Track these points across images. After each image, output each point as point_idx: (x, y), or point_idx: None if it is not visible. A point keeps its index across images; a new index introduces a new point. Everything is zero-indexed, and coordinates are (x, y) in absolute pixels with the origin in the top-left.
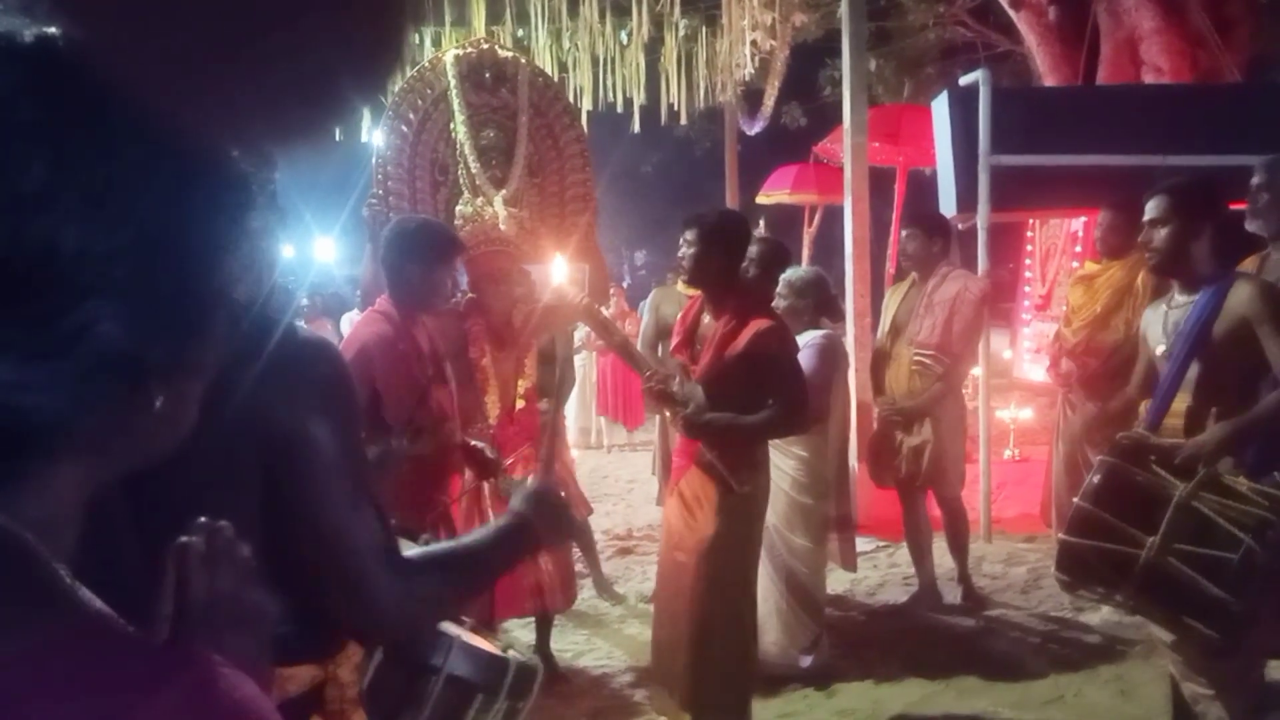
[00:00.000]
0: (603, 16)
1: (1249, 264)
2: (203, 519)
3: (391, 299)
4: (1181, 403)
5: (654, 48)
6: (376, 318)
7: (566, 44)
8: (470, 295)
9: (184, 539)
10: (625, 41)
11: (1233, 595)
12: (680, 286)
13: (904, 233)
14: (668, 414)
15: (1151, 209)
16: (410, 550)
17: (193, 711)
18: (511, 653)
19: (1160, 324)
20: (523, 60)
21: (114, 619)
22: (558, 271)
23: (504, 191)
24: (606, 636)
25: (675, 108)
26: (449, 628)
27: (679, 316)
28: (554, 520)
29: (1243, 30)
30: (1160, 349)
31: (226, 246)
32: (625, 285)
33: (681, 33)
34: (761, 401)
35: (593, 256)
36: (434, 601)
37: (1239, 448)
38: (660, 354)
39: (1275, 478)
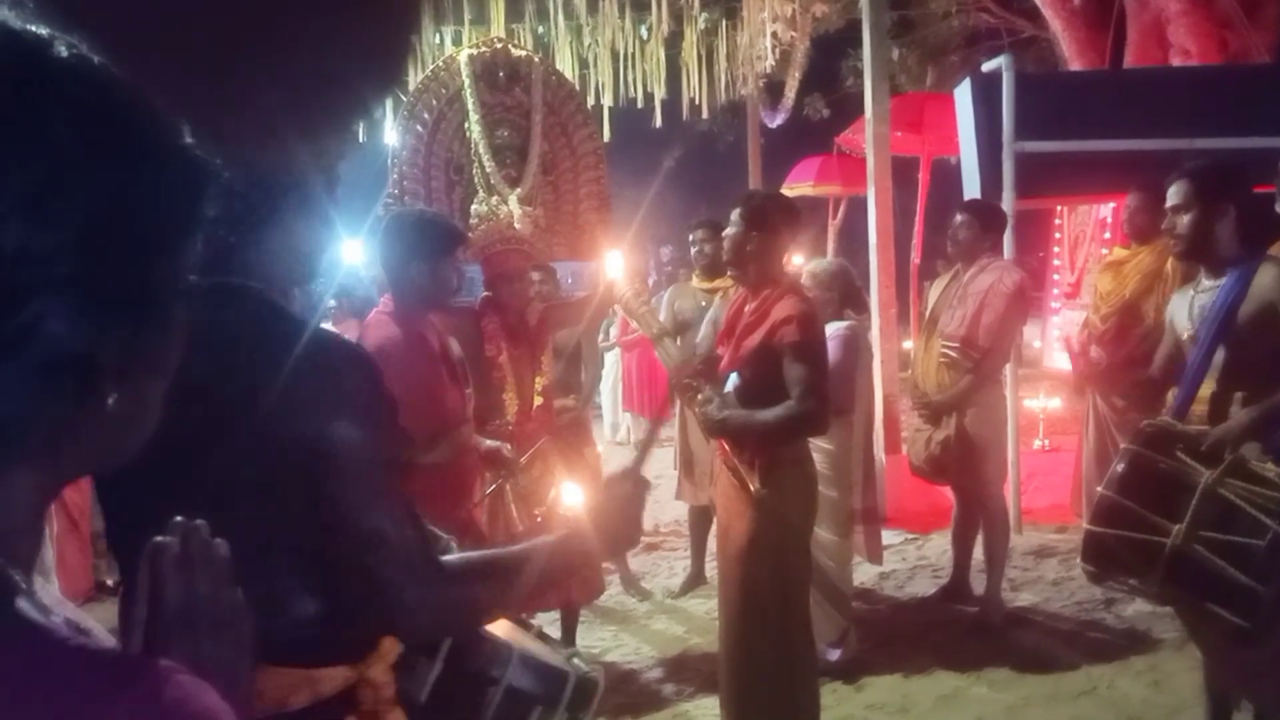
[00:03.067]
0: (622, 12)
1: (1279, 248)
2: (179, 519)
3: (395, 298)
4: (1208, 389)
5: (674, 42)
6: (383, 320)
7: (587, 40)
8: (486, 293)
9: (158, 539)
10: (645, 36)
11: (1260, 582)
12: (695, 281)
13: (957, 219)
14: (696, 411)
15: (1173, 195)
16: (452, 556)
17: None
18: (576, 662)
19: (1186, 309)
20: (536, 59)
21: (67, 629)
22: (612, 267)
23: (518, 190)
24: (634, 632)
25: (696, 102)
26: (510, 637)
27: (726, 309)
28: (615, 529)
29: (1271, 10)
30: (1186, 334)
31: (174, 238)
32: (651, 281)
33: (701, 26)
34: (787, 393)
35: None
36: (469, 608)
37: (1265, 433)
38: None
39: None
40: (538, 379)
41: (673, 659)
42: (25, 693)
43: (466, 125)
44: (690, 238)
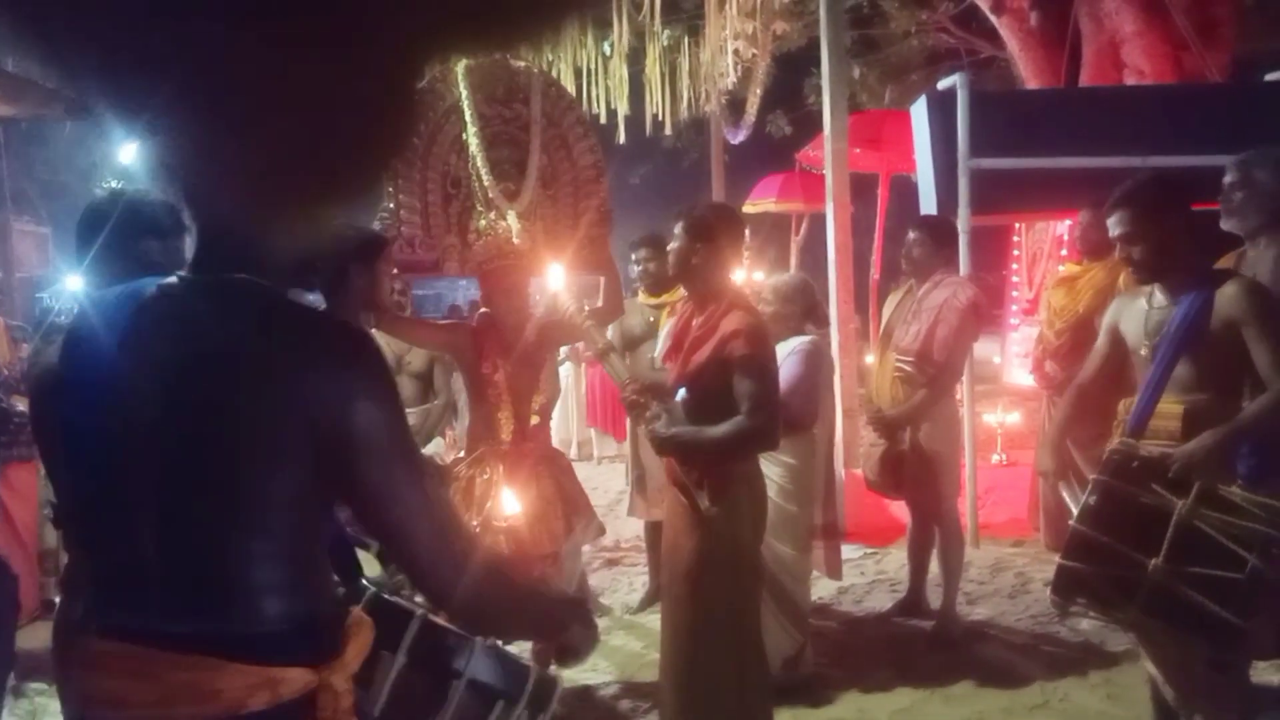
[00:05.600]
0: (584, 28)
1: (1225, 263)
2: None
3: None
4: (1166, 404)
5: (636, 59)
6: None
7: (549, 56)
8: (484, 310)
9: None
10: (608, 53)
11: (1240, 616)
12: (641, 298)
13: (911, 236)
14: (642, 427)
15: (1117, 223)
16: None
17: None
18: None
19: (1140, 323)
20: (536, 71)
21: None
22: (554, 280)
23: (517, 205)
24: None
25: (660, 118)
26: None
27: (672, 322)
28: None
29: (1224, 32)
30: (1143, 350)
31: None
32: None
33: (664, 43)
34: (737, 409)
35: (608, 268)
36: (493, 602)
37: (1228, 457)
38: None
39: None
40: (535, 397)
41: (630, 675)
42: None
43: (464, 137)
44: (633, 255)
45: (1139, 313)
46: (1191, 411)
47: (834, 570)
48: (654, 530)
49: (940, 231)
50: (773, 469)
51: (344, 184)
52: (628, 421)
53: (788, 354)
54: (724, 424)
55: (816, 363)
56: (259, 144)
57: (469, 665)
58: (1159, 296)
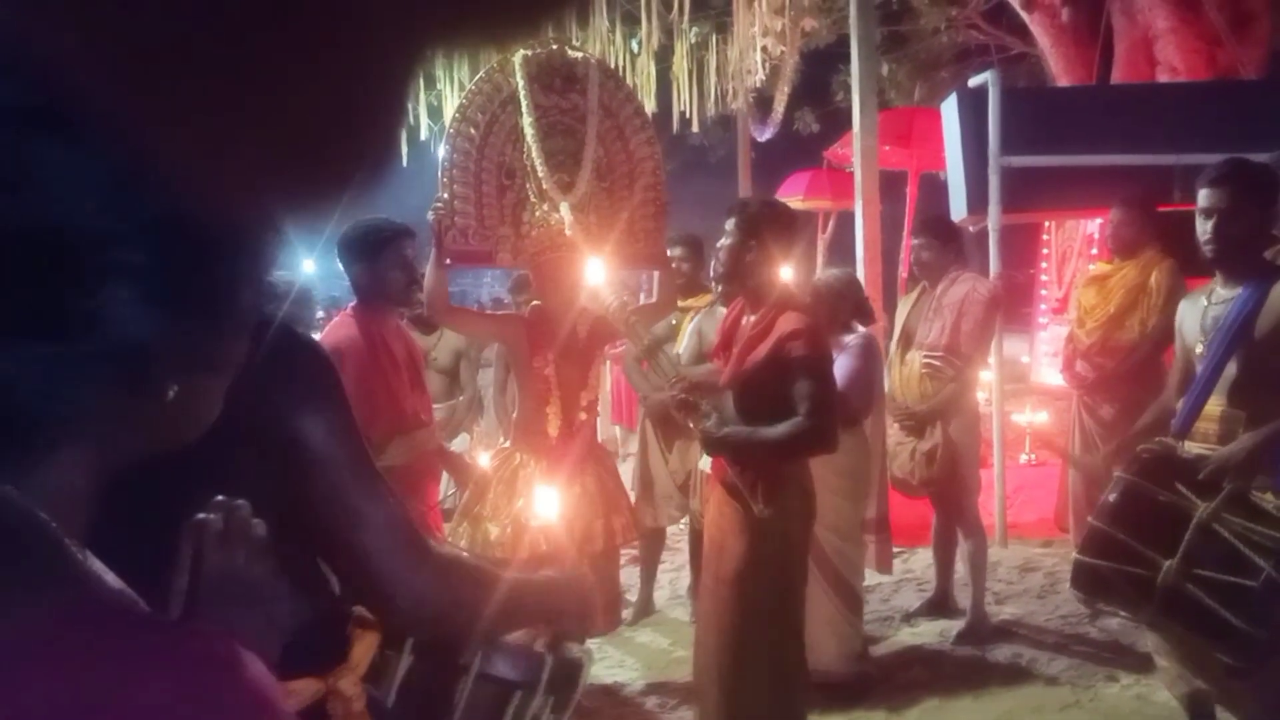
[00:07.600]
0: (613, 25)
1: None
2: (220, 497)
3: (356, 302)
4: (1215, 405)
5: (664, 56)
6: (345, 320)
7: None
8: (536, 303)
9: (202, 515)
10: (636, 50)
11: (1253, 624)
12: None
13: (916, 241)
14: (692, 425)
15: (1219, 197)
16: (446, 548)
17: (198, 688)
18: (572, 650)
19: (1198, 320)
20: (593, 60)
21: (125, 595)
22: (595, 275)
23: (571, 196)
24: (618, 645)
25: (687, 115)
26: None
27: (722, 319)
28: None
29: (1259, 27)
30: (1199, 348)
31: (249, 239)
32: (643, 296)
33: (691, 40)
34: (792, 410)
35: (662, 263)
36: (457, 603)
37: (1269, 459)
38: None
39: None
40: (583, 393)
41: (657, 673)
42: (84, 648)
43: (521, 127)
44: (669, 253)
45: (1198, 309)
46: (1234, 414)
47: (885, 564)
48: (651, 538)
49: (944, 231)
50: (827, 463)
51: (347, 174)
52: (638, 420)
53: (842, 349)
54: (782, 425)
55: (872, 356)
56: (258, 137)
57: (478, 659)
58: (1219, 291)
